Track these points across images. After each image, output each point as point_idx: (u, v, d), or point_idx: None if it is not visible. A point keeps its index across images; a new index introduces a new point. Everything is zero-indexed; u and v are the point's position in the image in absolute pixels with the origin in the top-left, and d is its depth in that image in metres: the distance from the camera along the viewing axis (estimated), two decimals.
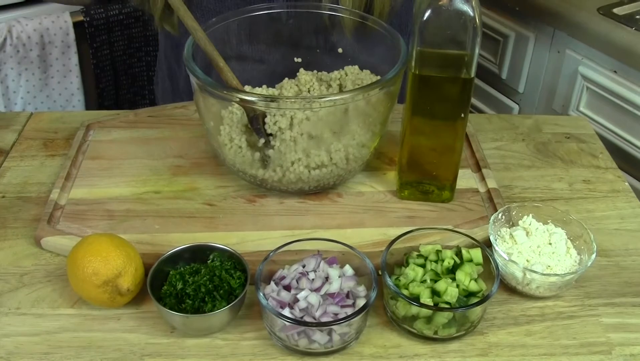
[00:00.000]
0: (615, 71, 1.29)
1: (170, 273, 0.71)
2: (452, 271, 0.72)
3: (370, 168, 0.91)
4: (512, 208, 0.80)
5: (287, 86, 0.92)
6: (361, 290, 0.70)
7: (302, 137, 0.80)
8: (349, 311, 0.67)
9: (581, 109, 1.38)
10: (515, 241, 0.76)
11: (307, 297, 0.67)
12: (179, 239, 0.78)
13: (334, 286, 0.69)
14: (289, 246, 0.73)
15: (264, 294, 0.67)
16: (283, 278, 0.71)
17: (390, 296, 0.71)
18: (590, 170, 0.95)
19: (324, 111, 0.78)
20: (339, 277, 0.70)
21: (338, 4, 0.93)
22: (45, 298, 0.74)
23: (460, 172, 0.85)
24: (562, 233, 0.77)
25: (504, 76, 1.58)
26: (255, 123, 0.81)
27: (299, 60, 0.96)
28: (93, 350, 0.68)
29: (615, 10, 1.32)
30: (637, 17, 1.31)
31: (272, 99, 0.78)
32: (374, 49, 0.91)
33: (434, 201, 0.86)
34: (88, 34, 1.64)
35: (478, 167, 0.92)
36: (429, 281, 0.71)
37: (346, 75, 0.92)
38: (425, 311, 0.68)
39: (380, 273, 0.71)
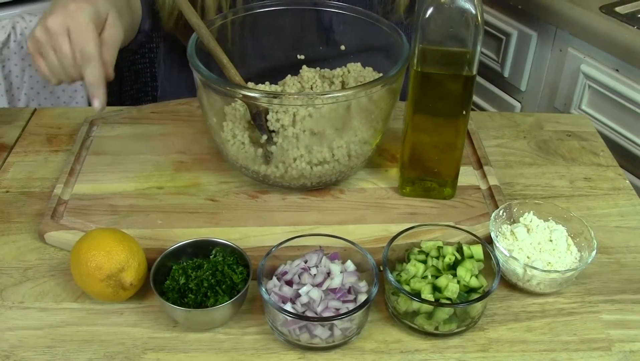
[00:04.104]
0: (617, 70, 1.29)
1: (173, 267, 0.72)
2: (453, 267, 0.72)
3: (372, 165, 0.91)
4: (513, 205, 0.80)
5: (290, 83, 0.92)
6: (363, 286, 0.70)
7: (305, 134, 0.80)
8: (351, 306, 0.68)
9: (583, 107, 1.39)
10: (516, 237, 0.77)
11: (309, 292, 0.68)
12: (182, 235, 0.79)
13: (335, 282, 0.69)
14: (291, 241, 0.73)
15: (266, 289, 0.68)
16: (285, 273, 0.71)
17: (391, 291, 0.71)
18: (591, 168, 0.95)
19: (326, 108, 0.78)
20: (341, 272, 0.70)
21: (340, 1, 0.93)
22: (49, 292, 0.74)
23: (462, 169, 0.85)
24: (562, 230, 0.77)
25: (506, 74, 1.58)
26: (258, 119, 0.82)
27: (302, 57, 0.97)
28: (96, 343, 0.69)
29: (617, 9, 1.32)
30: (639, 15, 1.31)
31: (275, 95, 0.79)
32: (377, 46, 0.91)
33: (435, 197, 0.86)
34: None
35: (479, 165, 0.92)
36: (430, 277, 0.71)
37: (349, 72, 0.93)
38: (426, 307, 0.68)
39: (381, 268, 0.71)
